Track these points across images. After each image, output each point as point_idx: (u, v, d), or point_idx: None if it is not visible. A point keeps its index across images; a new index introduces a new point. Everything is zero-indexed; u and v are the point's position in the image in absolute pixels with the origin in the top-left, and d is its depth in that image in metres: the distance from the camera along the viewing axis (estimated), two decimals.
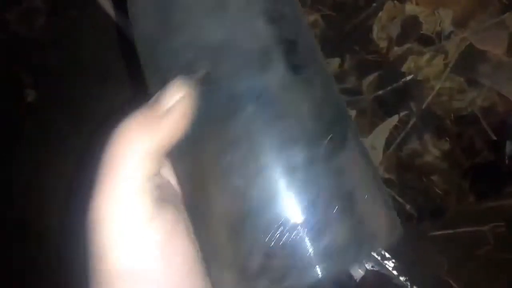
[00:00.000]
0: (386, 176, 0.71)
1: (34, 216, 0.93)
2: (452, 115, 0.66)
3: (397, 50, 0.65)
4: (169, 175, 0.26)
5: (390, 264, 0.70)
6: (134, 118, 0.24)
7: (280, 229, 0.21)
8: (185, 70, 0.24)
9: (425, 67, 0.63)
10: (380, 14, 0.64)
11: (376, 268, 0.71)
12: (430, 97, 0.65)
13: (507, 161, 0.63)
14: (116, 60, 0.87)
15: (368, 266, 0.71)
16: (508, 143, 0.63)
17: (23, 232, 0.93)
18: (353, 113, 0.71)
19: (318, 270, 0.21)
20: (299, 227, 0.21)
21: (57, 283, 0.90)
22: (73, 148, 0.91)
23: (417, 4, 0.61)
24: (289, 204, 0.22)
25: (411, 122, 0.68)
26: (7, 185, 0.94)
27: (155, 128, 0.23)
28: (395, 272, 0.70)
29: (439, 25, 0.61)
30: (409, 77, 0.66)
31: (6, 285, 0.94)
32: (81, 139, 0.91)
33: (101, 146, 0.24)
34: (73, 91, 0.92)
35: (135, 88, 0.87)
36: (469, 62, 0.61)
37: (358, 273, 0.71)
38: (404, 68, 0.65)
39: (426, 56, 0.63)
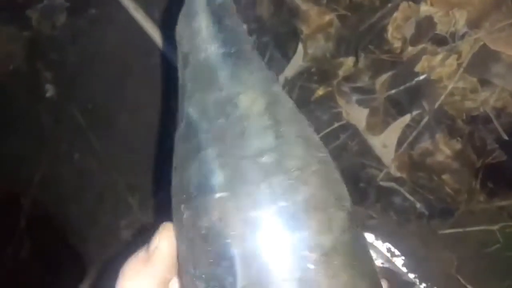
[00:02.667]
0: (398, 174, 0.73)
1: (51, 204, 0.95)
2: (464, 115, 0.67)
3: (411, 50, 0.66)
4: None
5: (399, 261, 0.71)
6: (133, 258, 0.29)
7: None
8: None
9: (439, 67, 0.64)
10: (395, 14, 0.65)
11: (385, 265, 0.72)
12: (442, 97, 0.66)
13: None
14: (135, 58, 0.89)
15: (378, 263, 0.72)
16: None
17: (38, 221, 0.96)
18: (365, 111, 0.72)
19: None
20: None
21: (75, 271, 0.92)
22: (89, 141, 0.93)
23: (431, 4, 0.63)
24: None
25: (424, 121, 0.69)
26: (27, 177, 0.97)
27: (149, 264, 0.28)
28: (404, 269, 0.71)
29: (453, 26, 0.62)
30: (422, 77, 0.67)
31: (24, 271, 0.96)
32: (98, 134, 0.93)
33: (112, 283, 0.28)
34: (92, 87, 0.94)
35: (154, 86, 0.89)
36: (482, 62, 0.62)
37: None
38: (417, 68, 0.66)
39: (440, 56, 0.64)
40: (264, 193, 0.23)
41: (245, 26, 0.30)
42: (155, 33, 0.85)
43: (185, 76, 0.28)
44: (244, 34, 0.29)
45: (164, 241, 0.28)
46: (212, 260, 0.24)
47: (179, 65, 0.29)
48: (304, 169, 0.24)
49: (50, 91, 0.99)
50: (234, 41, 0.28)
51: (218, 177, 0.24)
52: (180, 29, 0.29)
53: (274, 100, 0.26)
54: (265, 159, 0.24)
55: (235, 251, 0.23)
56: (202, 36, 0.28)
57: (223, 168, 0.24)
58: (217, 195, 0.24)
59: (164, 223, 0.29)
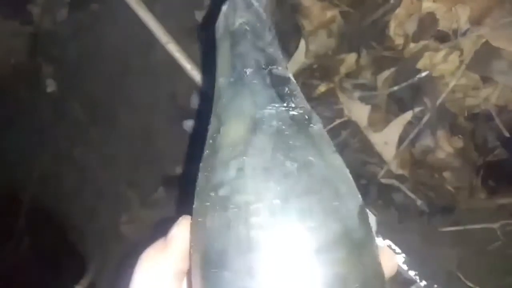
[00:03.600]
0: (399, 171, 0.72)
1: (51, 201, 0.95)
2: (466, 112, 0.67)
3: (413, 46, 0.66)
4: None
5: (400, 259, 0.71)
6: (151, 246, 0.29)
7: None
8: None
9: (441, 63, 0.64)
10: (397, 10, 0.65)
11: None
12: (444, 94, 0.66)
13: None
14: (137, 53, 0.89)
15: None
16: None
17: (38, 217, 0.95)
18: (367, 108, 0.72)
19: None
20: None
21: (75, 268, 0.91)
22: (90, 137, 0.93)
23: (434, 1, 0.62)
24: None
25: (425, 119, 0.69)
26: (26, 173, 0.97)
27: (166, 253, 0.28)
28: (405, 267, 0.71)
29: (456, 22, 0.62)
30: (424, 74, 0.67)
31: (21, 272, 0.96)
32: (98, 130, 0.93)
33: (130, 272, 0.29)
34: (92, 83, 0.94)
35: (154, 82, 0.89)
36: (484, 59, 0.62)
37: None
38: (419, 65, 0.66)
39: (442, 53, 0.64)
40: (211, 226, 0.25)
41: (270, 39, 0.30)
42: (156, 29, 0.85)
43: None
44: (253, 56, 0.28)
45: (182, 231, 0.28)
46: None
47: None
48: (249, 207, 0.24)
49: (50, 86, 0.99)
50: (236, 69, 0.28)
51: (194, 206, 0.27)
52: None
53: (252, 128, 0.26)
54: (221, 192, 0.25)
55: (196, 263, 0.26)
56: (217, 69, 0.29)
57: (197, 197, 0.27)
58: (191, 221, 0.28)
59: (184, 215, 0.29)
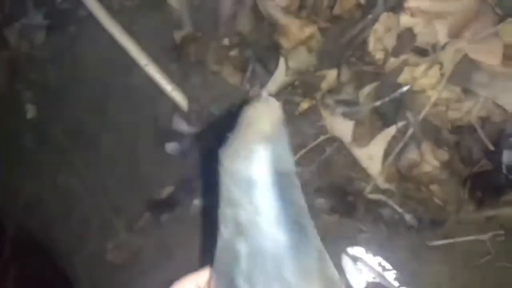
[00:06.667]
0: (386, 186, 0.72)
1: (36, 228, 0.93)
2: (449, 125, 0.66)
3: (393, 61, 0.65)
4: None
5: (391, 275, 0.70)
6: None
7: None
8: None
9: (421, 78, 0.64)
10: (375, 25, 0.65)
11: (377, 280, 0.71)
12: (427, 108, 0.66)
13: (504, 170, 0.64)
14: (116, 76, 0.88)
15: (370, 277, 0.71)
16: (505, 152, 0.63)
17: (24, 245, 0.93)
18: (351, 124, 0.71)
19: None
20: None
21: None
22: (73, 163, 0.92)
23: (412, 15, 0.62)
24: None
25: (409, 132, 0.68)
26: (11, 199, 0.94)
27: None
28: (396, 283, 0.70)
29: (434, 36, 0.62)
30: (405, 88, 0.66)
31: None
32: (81, 155, 0.91)
33: None
34: (73, 107, 0.92)
35: (134, 105, 0.87)
36: (464, 72, 0.62)
37: (359, 284, 0.71)
38: (400, 79, 0.66)
39: (422, 67, 0.63)
40: None
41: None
42: (135, 50, 0.84)
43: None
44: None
45: None
46: None
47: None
48: None
49: (31, 111, 0.97)
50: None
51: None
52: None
53: None
54: None
55: None
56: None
57: None
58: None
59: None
